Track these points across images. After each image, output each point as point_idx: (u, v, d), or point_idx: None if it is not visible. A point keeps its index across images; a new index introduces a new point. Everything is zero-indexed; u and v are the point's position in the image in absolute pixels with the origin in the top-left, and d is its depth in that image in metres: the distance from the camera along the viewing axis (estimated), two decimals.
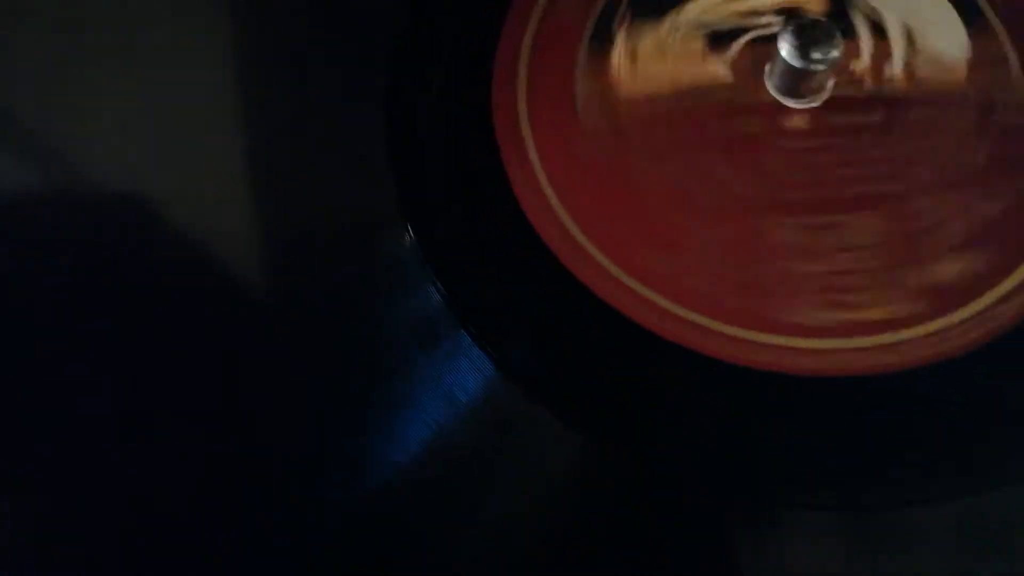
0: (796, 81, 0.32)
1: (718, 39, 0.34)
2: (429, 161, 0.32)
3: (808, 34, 0.32)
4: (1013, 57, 0.33)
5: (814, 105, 0.33)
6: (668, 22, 0.34)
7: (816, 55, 0.31)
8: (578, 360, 0.30)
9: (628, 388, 0.30)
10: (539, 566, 0.29)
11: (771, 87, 0.33)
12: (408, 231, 0.31)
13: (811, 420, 0.29)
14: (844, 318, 0.30)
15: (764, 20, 0.34)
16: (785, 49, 0.32)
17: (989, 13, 0.33)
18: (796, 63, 0.32)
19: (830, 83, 0.33)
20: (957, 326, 0.30)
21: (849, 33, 0.33)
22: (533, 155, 0.33)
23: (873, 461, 0.29)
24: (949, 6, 0.34)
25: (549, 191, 0.32)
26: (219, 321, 0.31)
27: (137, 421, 0.30)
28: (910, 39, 0.33)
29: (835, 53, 0.31)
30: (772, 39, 0.32)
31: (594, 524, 0.29)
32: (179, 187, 0.33)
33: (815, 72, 0.32)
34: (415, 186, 0.32)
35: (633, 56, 0.34)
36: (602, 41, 0.34)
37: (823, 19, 0.32)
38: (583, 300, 0.31)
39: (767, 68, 0.33)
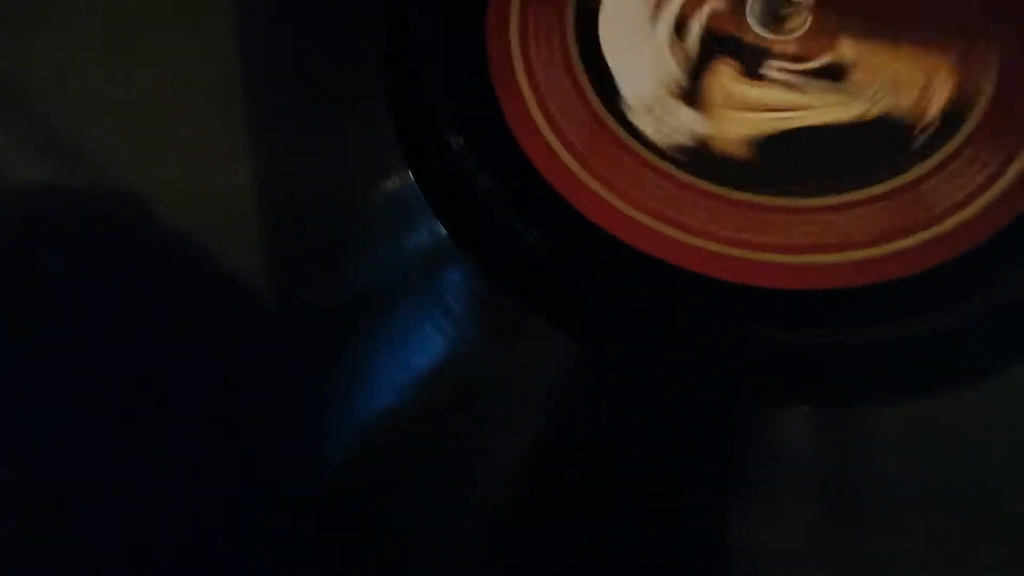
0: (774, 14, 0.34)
1: None
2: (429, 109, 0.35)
3: None
4: None
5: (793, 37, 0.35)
6: None
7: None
8: (574, 279, 0.33)
9: (619, 301, 0.32)
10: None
11: (753, 23, 0.35)
12: (409, 173, 0.33)
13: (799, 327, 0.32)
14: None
15: None
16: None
17: None
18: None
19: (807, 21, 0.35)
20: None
21: None
22: (528, 93, 0.35)
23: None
24: None
25: (545, 128, 0.34)
26: (223, 278, 0.33)
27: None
28: None
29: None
30: None
31: (590, 427, 0.31)
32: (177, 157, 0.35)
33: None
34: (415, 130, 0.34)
35: None
36: None
37: None
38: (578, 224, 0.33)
39: (748, 5, 0.35)
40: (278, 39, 0.36)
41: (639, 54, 0.35)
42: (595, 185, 0.33)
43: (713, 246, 0.32)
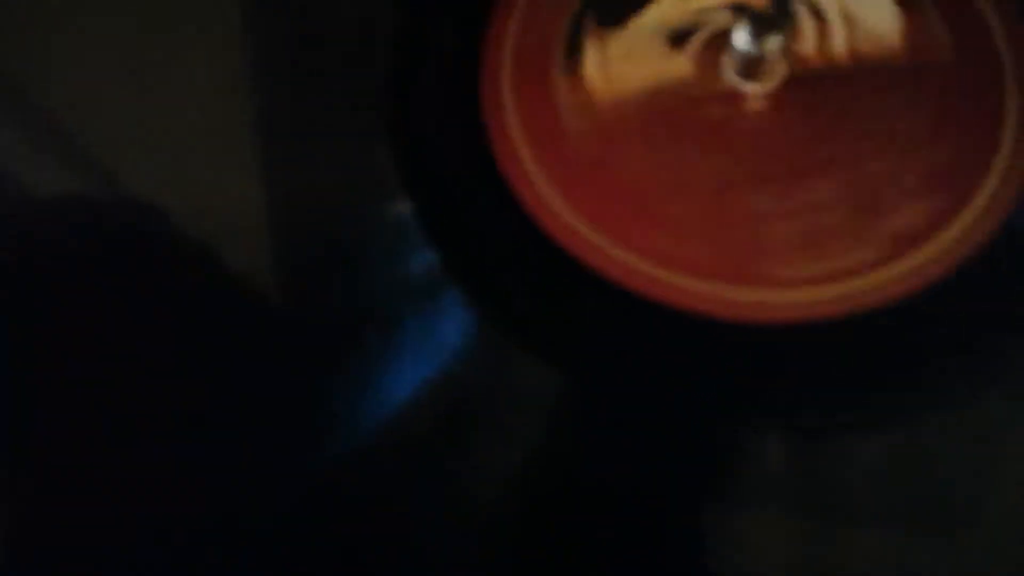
0: (752, 67, 0.36)
1: (678, 38, 0.38)
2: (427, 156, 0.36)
3: (759, 23, 0.35)
4: (938, 21, 0.37)
5: (771, 87, 0.36)
6: (631, 27, 0.38)
7: (768, 42, 0.35)
8: (569, 323, 0.34)
9: (612, 343, 0.34)
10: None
11: (730, 75, 0.37)
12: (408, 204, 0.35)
13: (796, 361, 0.33)
14: (815, 268, 0.34)
15: (717, 16, 0.38)
16: (740, 39, 0.35)
17: None
18: (751, 50, 0.35)
19: (783, 67, 0.36)
20: (918, 267, 0.34)
21: (793, 21, 0.37)
22: (527, 158, 0.36)
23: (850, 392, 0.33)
24: None
25: (541, 183, 0.36)
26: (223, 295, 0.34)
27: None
28: (848, 19, 0.37)
29: (782, 38, 0.35)
30: (726, 32, 0.36)
31: (576, 454, 0.32)
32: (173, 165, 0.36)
33: (768, 57, 0.36)
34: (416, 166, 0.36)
35: (603, 62, 0.37)
36: (574, 52, 0.38)
37: (770, 9, 0.36)
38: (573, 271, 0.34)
39: (724, 58, 0.37)
40: (288, 49, 0.38)
41: None
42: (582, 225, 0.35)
43: (694, 283, 0.34)
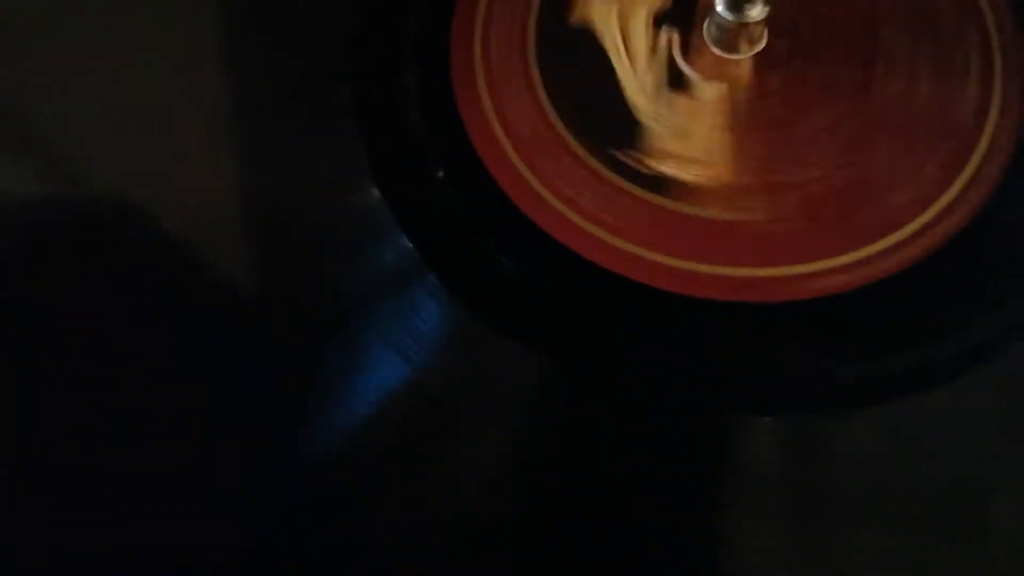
0: (732, 37, 0.35)
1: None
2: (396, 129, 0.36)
3: None
4: None
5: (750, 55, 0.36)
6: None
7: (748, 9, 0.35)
8: (539, 296, 0.33)
9: (584, 317, 0.33)
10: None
11: (709, 41, 0.36)
12: (376, 190, 0.34)
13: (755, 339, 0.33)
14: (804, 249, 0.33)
15: None
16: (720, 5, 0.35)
17: None
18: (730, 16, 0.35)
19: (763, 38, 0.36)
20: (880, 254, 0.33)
21: None
22: (492, 117, 0.36)
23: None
24: None
25: (511, 152, 0.35)
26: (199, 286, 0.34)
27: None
28: None
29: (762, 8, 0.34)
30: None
31: (556, 441, 0.32)
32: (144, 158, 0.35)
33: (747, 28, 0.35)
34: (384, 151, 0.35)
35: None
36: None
37: None
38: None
39: (704, 25, 0.36)
40: (260, 49, 0.37)
41: None
42: (559, 204, 0.34)
43: (674, 261, 0.33)
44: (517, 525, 0.32)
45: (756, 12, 0.35)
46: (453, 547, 0.31)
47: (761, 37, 0.36)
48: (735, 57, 0.36)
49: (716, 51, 0.36)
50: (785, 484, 0.31)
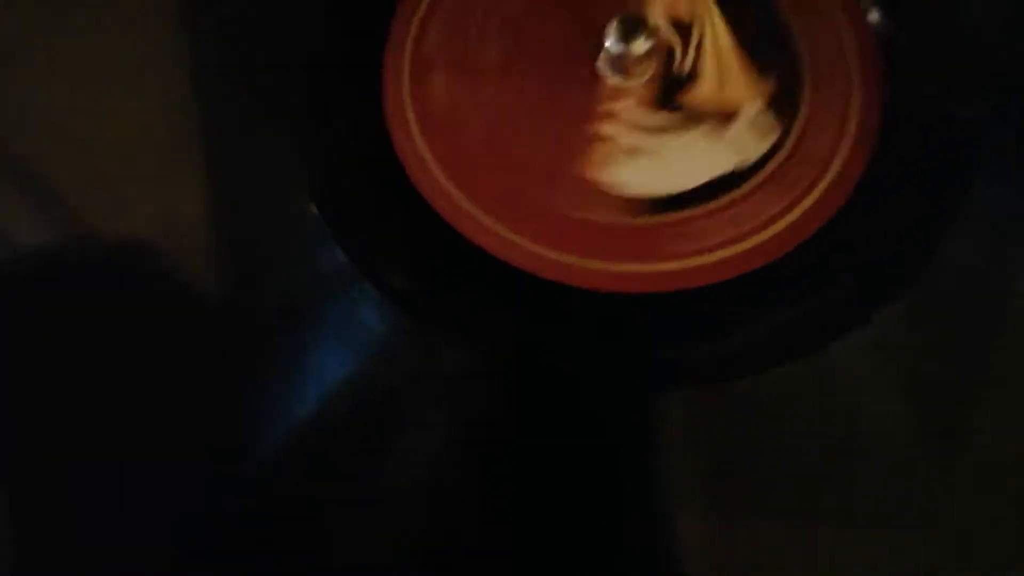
0: (620, 63, 0.40)
1: None
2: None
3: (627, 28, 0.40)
4: None
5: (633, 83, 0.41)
6: None
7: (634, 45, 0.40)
8: (459, 293, 0.37)
9: (518, 322, 0.37)
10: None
11: (602, 68, 0.41)
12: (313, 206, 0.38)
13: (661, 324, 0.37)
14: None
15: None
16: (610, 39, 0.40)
17: None
18: (617, 48, 0.40)
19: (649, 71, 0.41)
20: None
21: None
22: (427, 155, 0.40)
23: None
24: None
25: (441, 176, 0.40)
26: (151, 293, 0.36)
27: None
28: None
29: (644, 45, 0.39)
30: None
31: (490, 433, 0.36)
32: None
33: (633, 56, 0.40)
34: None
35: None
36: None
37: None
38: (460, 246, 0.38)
39: (602, 55, 0.41)
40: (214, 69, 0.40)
41: None
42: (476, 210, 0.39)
43: (591, 263, 0.38)
44: (453, 511, 0.35)
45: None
46: (396, 546, 0.34)
47: None
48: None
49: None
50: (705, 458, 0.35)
